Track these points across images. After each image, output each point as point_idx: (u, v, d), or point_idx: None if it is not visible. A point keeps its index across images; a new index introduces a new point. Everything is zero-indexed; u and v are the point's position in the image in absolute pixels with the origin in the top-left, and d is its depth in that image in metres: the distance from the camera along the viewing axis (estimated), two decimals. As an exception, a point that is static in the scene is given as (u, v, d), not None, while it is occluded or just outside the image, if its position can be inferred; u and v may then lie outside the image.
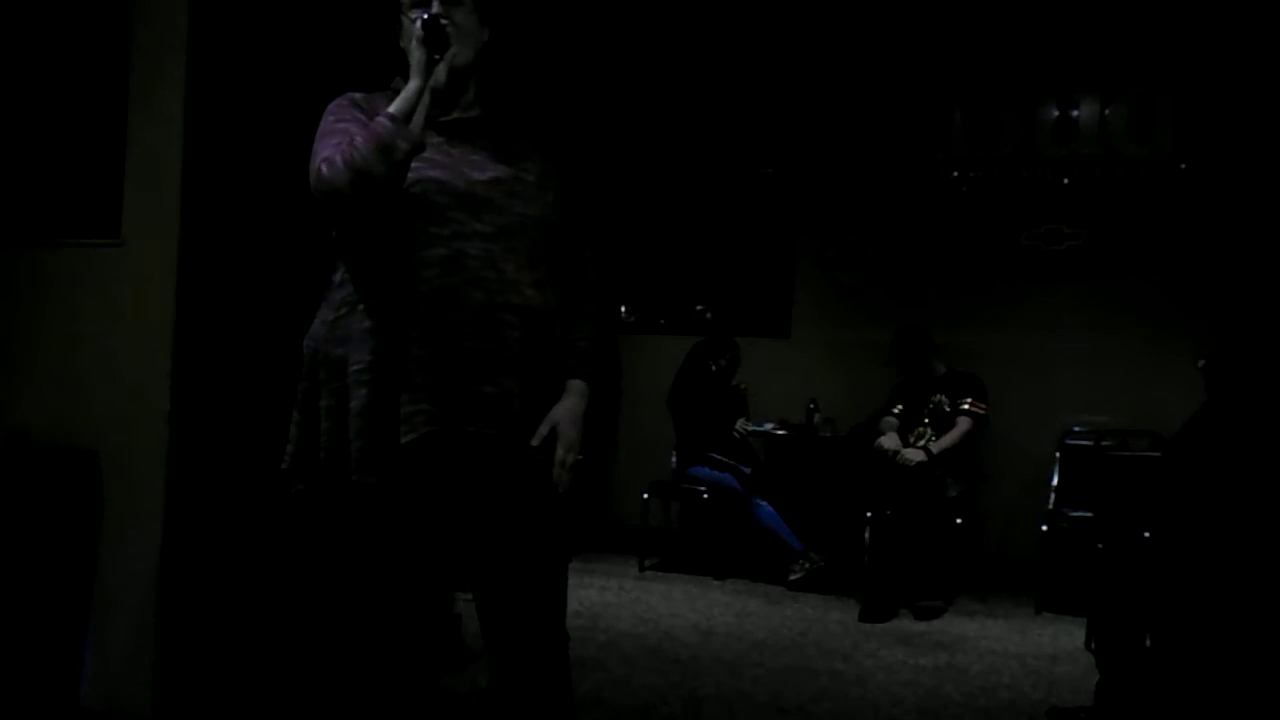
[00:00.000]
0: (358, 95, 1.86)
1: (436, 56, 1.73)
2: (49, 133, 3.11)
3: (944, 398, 5.04)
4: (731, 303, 6.24)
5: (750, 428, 5.59)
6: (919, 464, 4.83)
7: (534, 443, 1.78)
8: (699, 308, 5.85)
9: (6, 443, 2.98)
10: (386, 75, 1.90)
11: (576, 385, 1.87)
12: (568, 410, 1.83)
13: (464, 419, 1.71)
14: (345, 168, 1.65)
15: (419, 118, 1.71)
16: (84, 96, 3.05)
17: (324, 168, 1.68)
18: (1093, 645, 3.72)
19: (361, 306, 1.73)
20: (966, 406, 4.96)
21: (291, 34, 3.15)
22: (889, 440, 4.96)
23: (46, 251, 3.06)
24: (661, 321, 6.42)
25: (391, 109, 1.70)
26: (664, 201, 6.38)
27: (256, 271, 3.06)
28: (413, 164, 1.74)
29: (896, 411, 5.11)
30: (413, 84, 1.72)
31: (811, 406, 5.58)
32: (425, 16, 1.73)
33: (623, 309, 6.50)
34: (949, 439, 4.91)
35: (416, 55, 1.72)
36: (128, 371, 2.92)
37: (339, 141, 1.71)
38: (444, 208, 1.73)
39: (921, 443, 4.93)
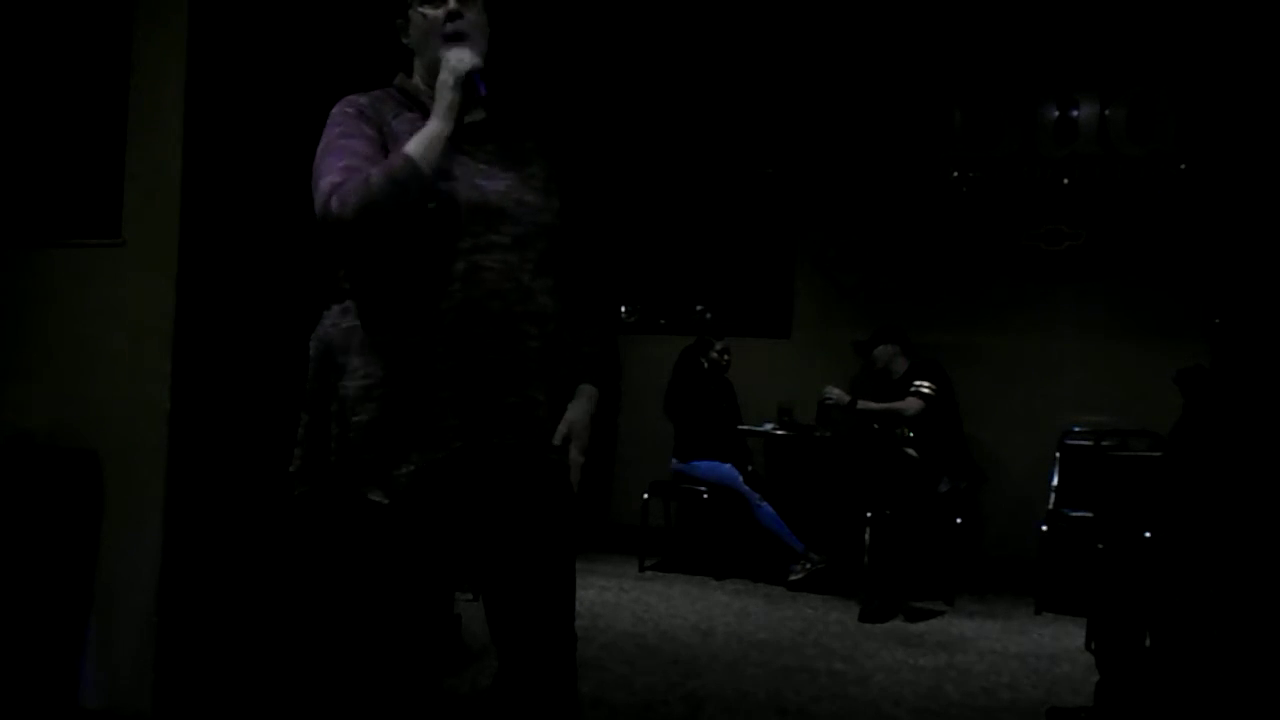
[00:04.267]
0: (362, 100, 1.82)
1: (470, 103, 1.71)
2: (50, 133, 3.11)
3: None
4: (731, 303, 6.24)
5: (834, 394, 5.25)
6: (910, 460, 4.86)
7: (556, 442, 1.79)
8: (699, 308, 5.86)
9: (7, 443, 2.97)
10: (387, 72, 1.90)
11: (587, 389, 1.88)
12: (582, 414, 1.85)
13: (492, 431, 1.71)
14: (358, 203, 1.62)
15: (435, 159, 1.68)
16: (84, 97, 3.05)
17: (334, 202, 1.63)
18: (1093, 645, 3.72)
19: (374, 316, 1.73)
20: (916, 388, 4.97)
21: (291, 33, 3.15)
22: (832, 392, 5.12)
23: (47, 251, 3.06)
24: (661, 321, 6.42)
25: (411, 149, 1.66)
26: (664, 201, 6.38)
27: (256, 271, 3.06)
28: None
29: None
30: (435, 125, 1.68)
31: (829, 400, 5.32)
32: (470, 69, 1.70)
33: (623, 309, 6.49)
34: (882, 405, 5.02)
35: (447, 99, 1.68)
36: (128, 371, 2.92)
37: (349, 165, 1.67)
38: (460, 220, 1.72)
39: (904, 434, 4.97)
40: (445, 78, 1.70)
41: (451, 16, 1.77)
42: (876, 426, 5.12)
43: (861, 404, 5.03)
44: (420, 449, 1.68)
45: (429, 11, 1.79)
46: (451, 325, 1.69)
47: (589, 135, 5.72)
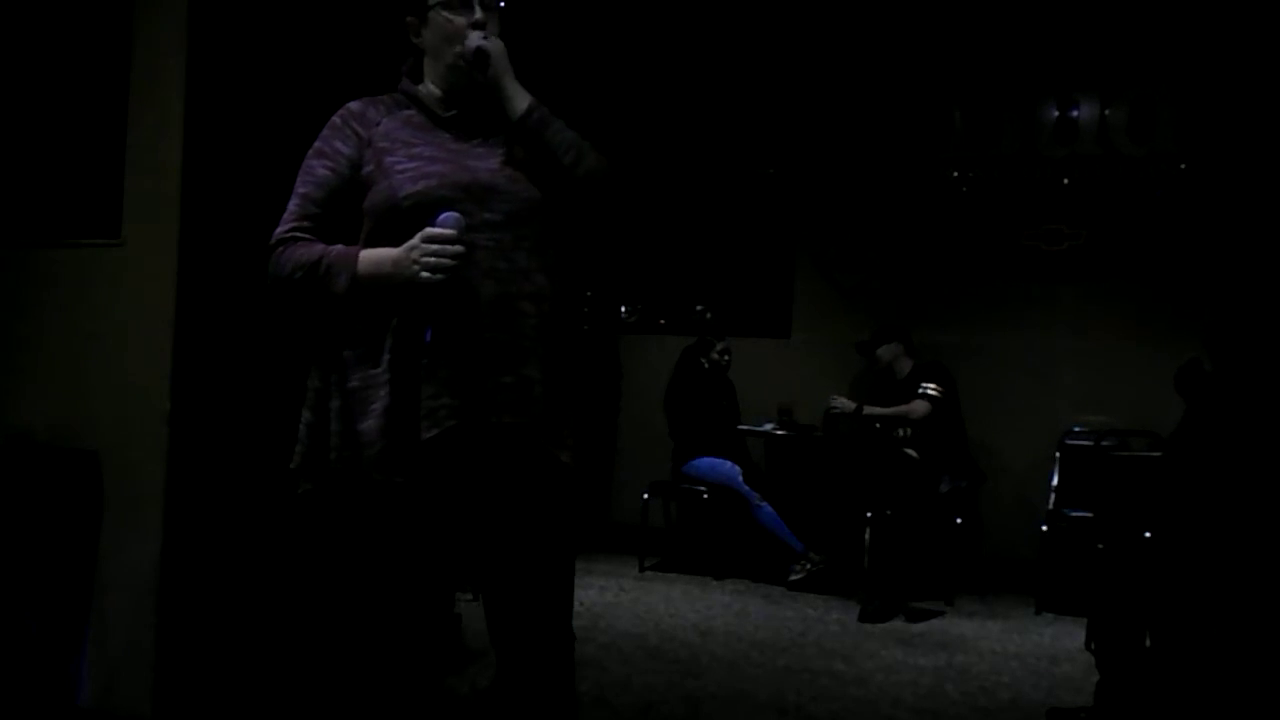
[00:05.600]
0: (356, 107, 1.84)
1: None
2: (50, 133, 3.11)
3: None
4: (731, 303, 6.24)
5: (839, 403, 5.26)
6: (910, 460, 4.86)
7: (571, 459, 1.79)
8: (699, 308, 5.86)
9: (7, 443, 2.97)
10: (389, 70, 1.90)
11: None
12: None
13: (486, 410, 1.71)
14: (281, 279, 1.75)
15: (366, 282, 1.71)
16: (85, 96, 3.05)
17: (283, 259, 1.75)
18: (1093, 645, 3.72)
19: (370, 304, 1.73)
20: (923, 391, 4.98)
21: (292, 33, 3.15)
22: (837, 400, 5.12)
23: (47, 251, 3.06)
24: (661, 321, 6.42)
25: (363, 267, 1.69)
26: (664, 201, 6.38)
27: (257, 271, 3.06)
28: (414, 161, 1.75)
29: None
30: (389, 267, 1.68)
31: (835, 409, 5.32)
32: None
33: (623, 309, 6.49)
34: (890, 410, 5.00)
35: (407, 272, 1.66)
36: (128, 372, 2.92)
37: (300, 210, 1.77)
38: (451, 201, 1.72)
39: (903, 434, 4.98)
40: (418, 272, 1.66)
41: (477, 25, 1.79)
42: (878, 426, 5.12)
43: (867, 410, 5.02)
44: (417, 429, 1.68)
45: (453, 17, 1.80)
46: (444, 306, 1.69)
47: (589, 135, 5.70)
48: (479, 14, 1.79)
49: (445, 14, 1.80)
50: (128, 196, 2.96)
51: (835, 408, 5.13)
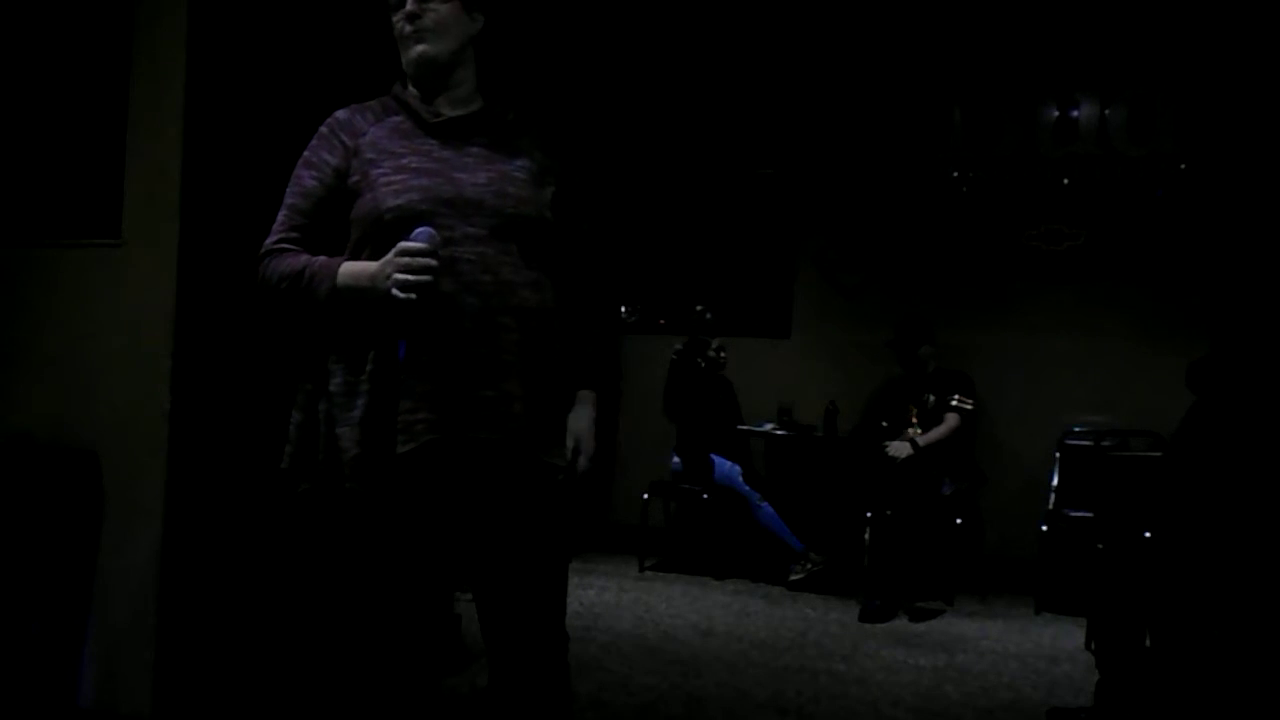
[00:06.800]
0: (343, 116, 1.85)
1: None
2: (50, 133, 3.11)
3: (932, 396, 5.07)
4: (731, 303, 6.23)
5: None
6: (909, 459, 4.85)
7: (563, 462, 1.82)
8: (699, 308, 5.85)
9: (7, 443, 2.98)
10: (387, 72, 1.90)
11: (588, 395, 1.90)
12: (586, 423, 1.87)
13: (465, 425, 1.71)
14: (269, 288, 1.78)
15: (347, 295, 1.72)
16: (85, 96, 3.05)
17: (270, 270, 1.78)
18: (1093, 645, 3.72)
19: (356, 315, 1.73)
20: (954, 402, 4.99)
21: (291, 32, 3.15)
22: (898, 448, 4.97)
23: (46, 251, 3.06)
24: (661, 321, 6.42)
25: (342, 279, 1.71)
26: (664, 201, 6.38)
27: (256, 271, 3.06)
28: (399, 173, 1.75)
29: (894, 424, 5.18)
30: (366, 282, 1.69)
31: (830, 407, 5.48)
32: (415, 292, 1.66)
33: (623, 309, 6.49)
34: (935, 433, 4.97)
35: (384, 286, 1.66)
36: (128, 371, 2.92)
37: (288, 221, 1.80)
38: (432, 215, 1.72)
39: (912, 433, 4.97)
40: (392, 289, 1.66)
41: (410, 18, 1.79)
42: (885, 424, 5.12)
43: (923, 441, 4.96)
44: (395, 442, 1.68)
45: (394, 20, 1.82)
46: (425, 319, 1.69)
47: (590, 135, 5.71)
48: (410, 5, 1.78)
49: (392, 18, 1.83)
50: (128, 196, 2.96)
51: (899, 456, 4.92)
